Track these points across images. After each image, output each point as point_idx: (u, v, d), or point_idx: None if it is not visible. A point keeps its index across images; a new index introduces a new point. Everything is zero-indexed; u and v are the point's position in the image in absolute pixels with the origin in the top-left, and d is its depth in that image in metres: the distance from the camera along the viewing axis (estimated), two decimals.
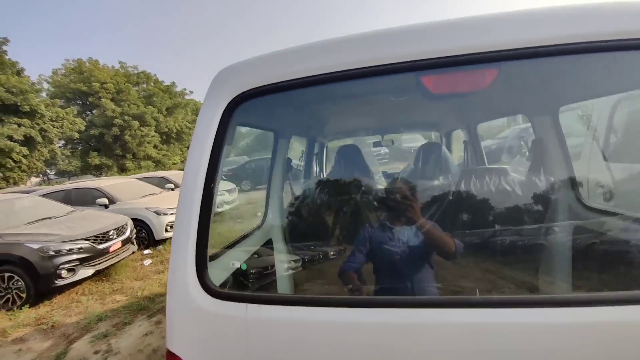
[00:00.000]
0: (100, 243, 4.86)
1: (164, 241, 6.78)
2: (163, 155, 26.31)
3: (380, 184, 1.63)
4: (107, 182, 7.70)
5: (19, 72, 19.32)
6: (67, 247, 4.43)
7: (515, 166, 1.91)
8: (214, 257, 1.05)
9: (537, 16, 0.73)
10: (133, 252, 5.72)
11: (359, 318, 0.75)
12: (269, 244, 1.55)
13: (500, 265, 0.98)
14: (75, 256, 4.47)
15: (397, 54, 0.79)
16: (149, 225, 6.58)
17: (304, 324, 0.78)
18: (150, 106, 24.76)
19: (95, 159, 23.98)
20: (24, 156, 18.40)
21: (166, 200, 7.25)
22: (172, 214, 6.81)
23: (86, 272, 4.61)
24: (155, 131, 25.19)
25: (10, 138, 17.04)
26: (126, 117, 23.48)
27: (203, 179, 0.91)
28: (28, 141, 18.49)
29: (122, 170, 24.86)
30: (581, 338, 0.67)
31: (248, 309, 0.81)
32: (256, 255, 1.45)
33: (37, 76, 25.12)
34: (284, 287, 1.12)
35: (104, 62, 25.81)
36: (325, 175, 2.25)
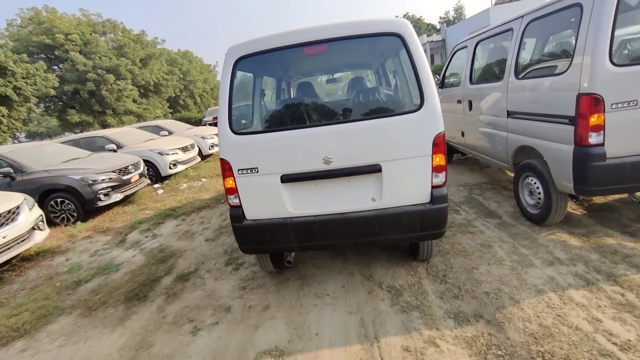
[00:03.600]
0: (123, 175, 6.22)
1: (169, 177, 8.16)
2: (144, 109, 26.38)
3: (319, 97, 3.16)
4: (111, 131, 8.78)
5: None
6: (101, 177, 5.78)
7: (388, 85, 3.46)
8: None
9: (334, 26, 2.12)
10: (147, 184, 7.12)
11: (293, 132, 2.23)
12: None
13: (345, 113, 2.45)
14: (108, 184, 5.85)
15: (296, 39, 2.16)
16: (155, 164, 7.88)
17: (270, 138, 2.25)
18: (123, 58, 24.18)
19: (74, 117, 23.95)
20: (3, 116, 18.54)
21: (165, 144, 8.47)
22: (173, 154, 8.11)
23: (117, 196, 6.03)
24: (132, 84, 24.93)
25: None
26: (99, 71, 23.03)
27: (228, 92, 2.26)
28: (4, 100, 18.45)
29: (104, 126, 25.04)
30: (355, 131, 2.17)
31: (249, 137, 2.26)
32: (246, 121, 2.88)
33: None
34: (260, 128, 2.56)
35: (62, 11, 24.40)
36: (290, 96, 3.69)
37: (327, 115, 2.39)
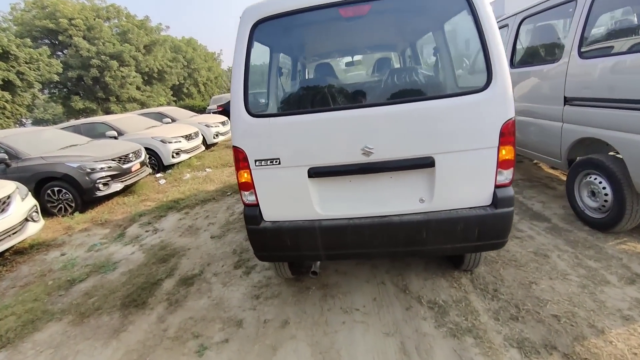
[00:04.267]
0: (123, 163, 5.83)
1: (171, 166, 7.77)
2: (147, 96, 25.93)
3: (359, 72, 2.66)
4: (112, 117, 8.38)
5: None
6: (100, 165, 5.39)
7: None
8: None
9: None
10: (149, 174, 6.74)
11: (326, 115, 1.79)
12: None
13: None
14: (107, 173, 5.46)
15: None
16: (157, 152, 7.49)
17: (296, 122, 1.82)
18: (126, 44, 23.65)
19: (78, 103, 23.58)
20: (6, 101, 18.23)
21: (168, 131, 8.06)
22: (176, 142, 7.70)
23: (117, 186, 5.65)
24: (136, 71, 24.45)
25: None
26: (103, 57, 22.56)
27: (243, 65, 1.82)
28: (7, 86, 18.10)
29: (107, 113, 24.67)
30: (403, 115, 1.73)
31: (270, 120, 1.83)
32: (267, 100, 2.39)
33: None
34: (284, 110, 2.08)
35: None
36: (322, 71, 3.08)
37: (369, 94, 1.93)
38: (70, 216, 5.22)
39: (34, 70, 19.22)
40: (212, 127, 10.02)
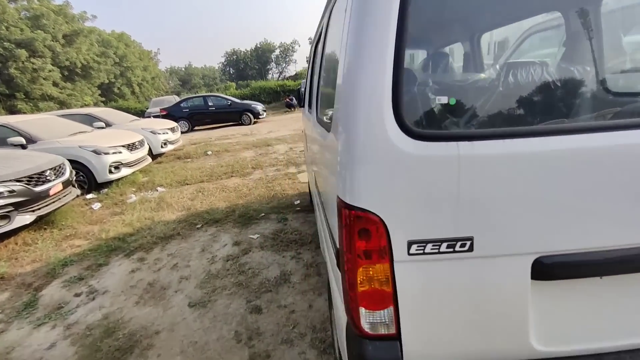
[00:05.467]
0: (36, 185, 4.06)
1: (108, 184, 5.98)
2: (68, 94, 22.02)
3: None
4: (18, 119, 6.24)
5: None
6: None
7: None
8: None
9: None
10: (77, 196, 4.96)
11: (569, 141, 0.76)
12: None
13: None
14: (7, 200, 3.69)
15: None
16: (88, 166, 5.67)
17: (518, 153, 0.75)
18: (39, 30, 19.81)
19: None
20: None
21: (103, 139, 6.24)
22: (114, 153, 5.94)
23: (24, 218, 3.87)
24: (52, 64, 20.59)
25: None
26: (7, 44, 18.53)
27: (394, 23, 0.71)
28: None
29: (12, 113, 20.29)
30: None
31: (460, 146, 0.75)
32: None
33: None
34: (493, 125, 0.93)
35: None
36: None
37: None
38: None
39: None
40: (159, 133, 8.27)
